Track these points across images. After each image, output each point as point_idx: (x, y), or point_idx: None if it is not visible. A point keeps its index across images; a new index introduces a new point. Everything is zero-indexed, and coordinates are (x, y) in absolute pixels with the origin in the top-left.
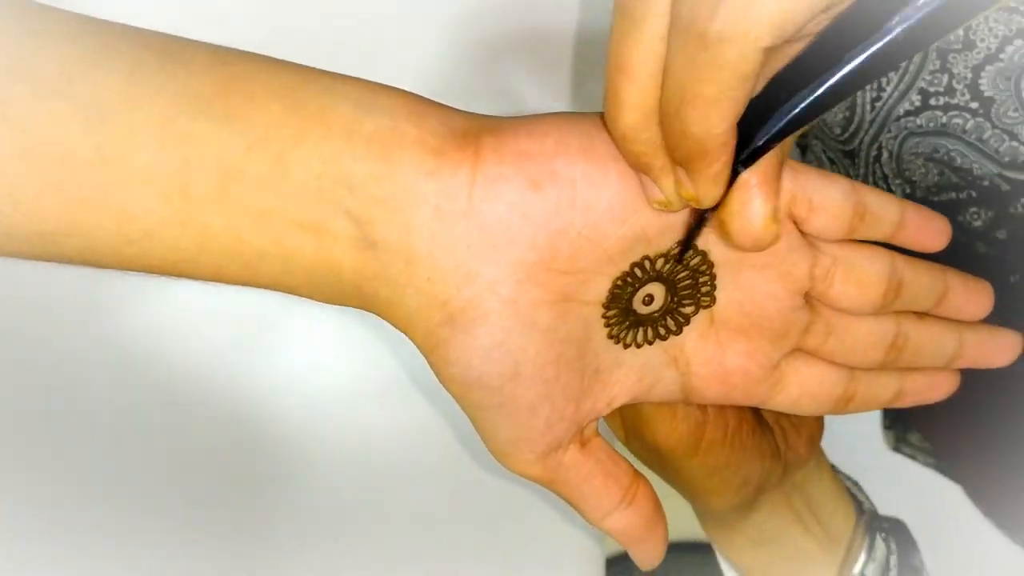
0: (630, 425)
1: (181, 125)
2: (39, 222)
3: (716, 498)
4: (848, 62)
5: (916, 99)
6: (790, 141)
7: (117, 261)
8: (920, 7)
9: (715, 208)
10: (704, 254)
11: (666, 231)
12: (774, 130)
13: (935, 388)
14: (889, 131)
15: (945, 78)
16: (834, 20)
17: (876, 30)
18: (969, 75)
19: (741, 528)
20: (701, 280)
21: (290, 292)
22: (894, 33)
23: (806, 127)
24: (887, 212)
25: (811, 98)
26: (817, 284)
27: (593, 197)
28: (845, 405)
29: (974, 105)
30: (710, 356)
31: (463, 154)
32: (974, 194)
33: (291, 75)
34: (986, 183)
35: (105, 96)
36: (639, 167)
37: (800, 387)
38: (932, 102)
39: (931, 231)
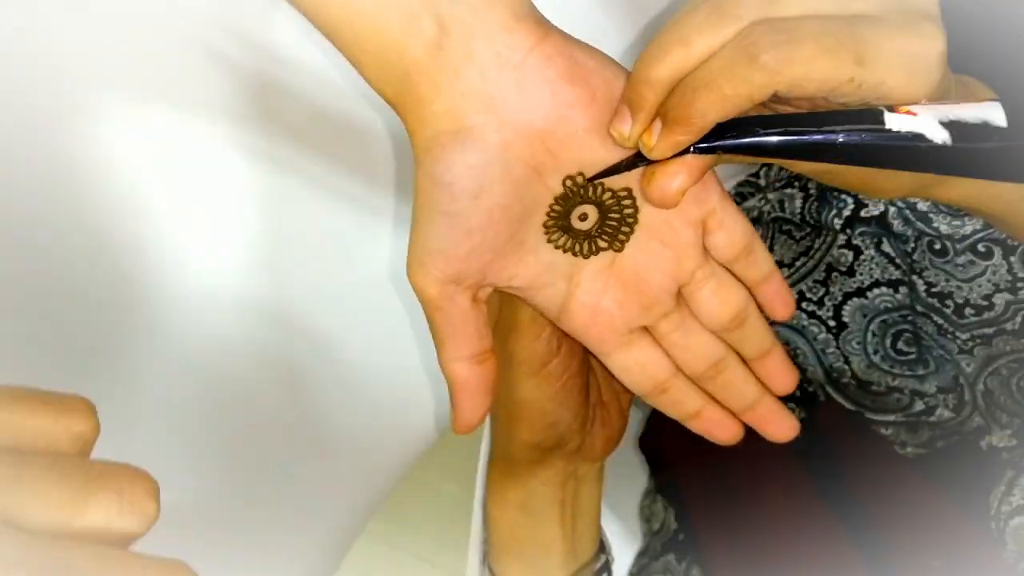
0: (503, 326)
1: None
2: None
3: (526, 430)
4: (794, 133)
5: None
6: (716, 158)
7: None
8: (862, 135)
9: (652, 162)
10: (637, 209)
11: (627, 176)
12: (731, 144)
13: (723, 427)
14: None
15: (822, 291)
16: (800, 112)
17: (820, 133)
18: (840, 298)
19: (517, 488)
20: (623, 227)
21: (350, 51)
22: (833, 139)
23: (747, 160)
24: (763, 264)
25: (757, 140)
26: (692, 283)
27: (600, 113)
28: (658, 394)
29: (832, 323)
30: (594, 290)
31: (534, 31)
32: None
33: None
34: (810, 388)
35: None
36: (632, 103)
37: (637, 357)
38: (802, 304)
39: (782, 300)
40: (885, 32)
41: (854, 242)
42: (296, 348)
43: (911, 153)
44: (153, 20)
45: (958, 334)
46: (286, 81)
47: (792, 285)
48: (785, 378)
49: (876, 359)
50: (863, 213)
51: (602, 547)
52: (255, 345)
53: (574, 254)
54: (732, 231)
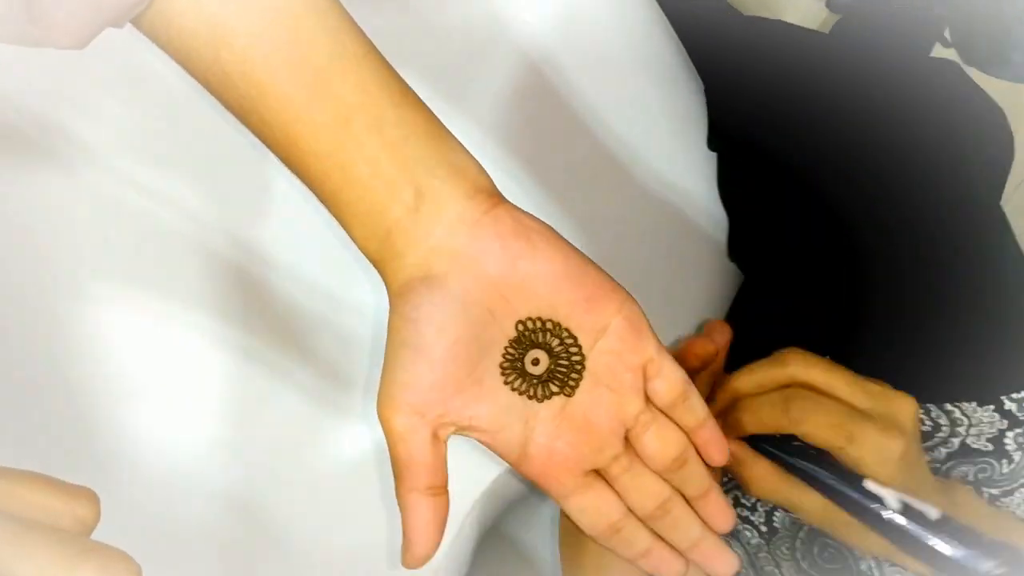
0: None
1: (372, 87)
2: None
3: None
4: (794, 459)
5: None
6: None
7: (284, 127)
8: (840, 481)
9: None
10: (584, 357)
11: (569, 321)
12: (762, 448)
13: (671, 565)
14: None
15: (754, 498)
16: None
17: (816, 469)
18: (771, 504)
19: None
20: (572, 373)
21: (348, 218)
22: (819, 476)
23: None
24: (699, 410)
25: (769, 450)
26: (636, 426)
27: (542, 263)
28: (611, 535)
29: (763, 528)
30: (549, 432)
31: (491, 199)
32: None
33: (430, 112)
34: None
35: (348, 35)
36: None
37: (592, 499)
38: (736, 508)
39: (716, 445)
40: (870, 429)
41: None
42: (256, 536)
43: (864, 508)
44: (146, 212)
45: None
46: (267, 277)
47: (727, 491)
48: (725, 517)
49: (804, 565)
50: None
51: None
52: (216, 530)
53: (529, 397)
54: (670, 378)
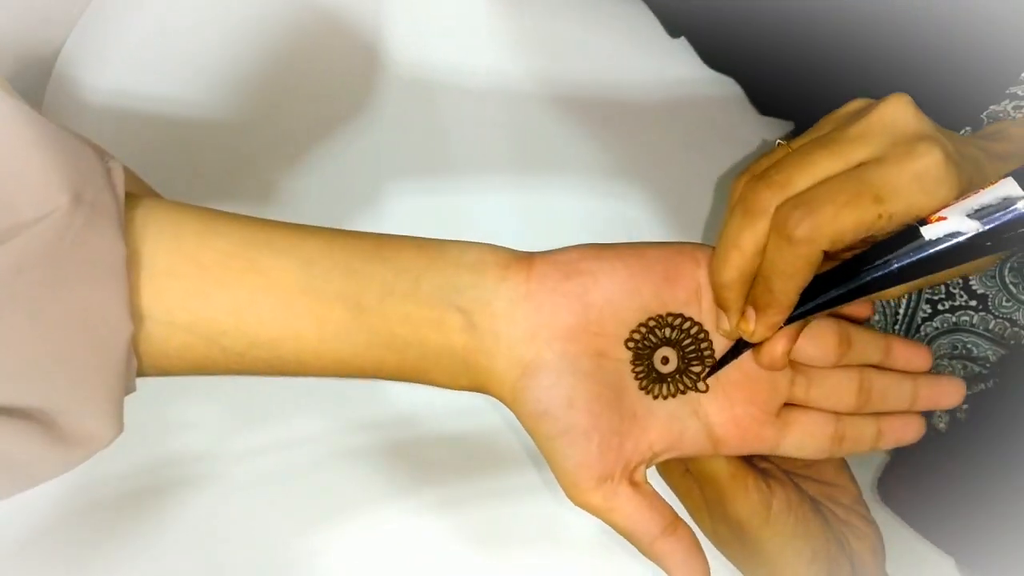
0: (713, 505)
1: (356, 265)
2: (272, 330)
3: (791, 572)
4: (858, 279)
5: (926, 308)
6: (806, 322)
7: (316, 359)
8: (910, 255)
9: (752, 345)
10: (700, 324)
11: (665, 304)
12: (811, 308)
13: (907, 428)
14: (919, 335)
15: (942, 286)
16: (857, 254)
17: (877, 269)
18: (960, 279)
19: None
20: (703, 346)
21: (424, 376)
22: (891, 268)
23: (829, 310)
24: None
25: (834, 295)
26: None
27: (607, 281)
28: (840, 444)
29: (972, 303)
30: (721, 405)
31: (522, 264)
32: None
33: (414, 238)
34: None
35: (312, 251)
36: (721, 306)
37: (800, 429)
38: (939, 307)
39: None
40: (889, 168)
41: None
42: None
43: (954, 251)
44: None
45: None
46: None
47: (917, 301)
48: (920, 355)
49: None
50: None
51: None
52: None
53: (683, 392)
54: None
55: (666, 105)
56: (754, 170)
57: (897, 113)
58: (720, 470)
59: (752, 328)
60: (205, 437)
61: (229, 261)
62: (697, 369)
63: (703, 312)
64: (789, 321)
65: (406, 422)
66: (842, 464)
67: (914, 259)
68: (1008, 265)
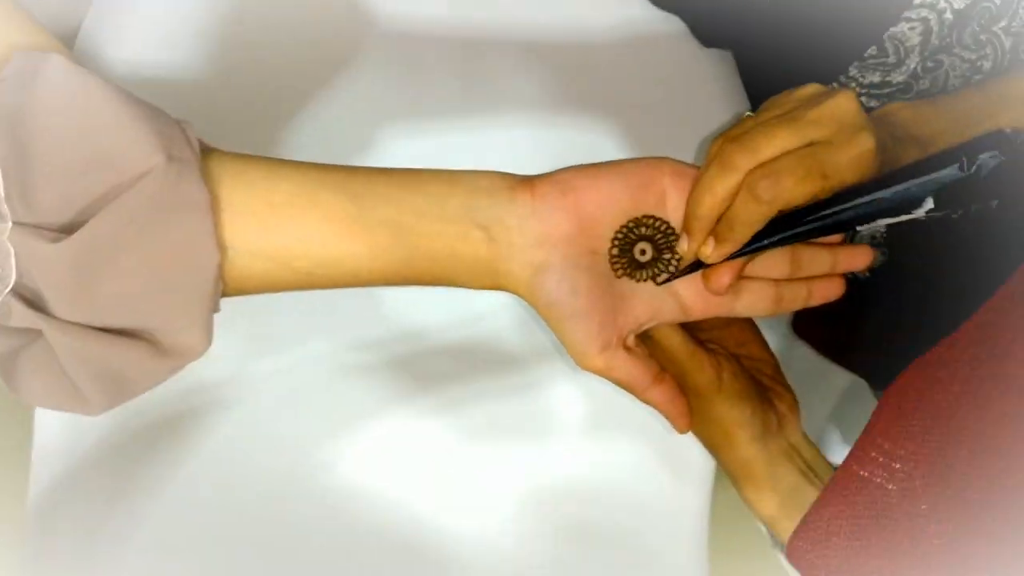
0: (676, 379)
1: (394, 195)
2: (333, 251)
3: (738, 428)
4: (799, 225)
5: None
6: (751, 258)
7: (369, 272)
8: (855, 206)
9: (705, 265)
10: (668, 223)
11: (639, 210)
12: (753, 248)
13: (830, 286)
14: None
15: None
16: (786, 213)
17: (824, 215)
18: None
19: (763, 476)
20: (671, 238)
21: (456, 279)
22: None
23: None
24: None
25: (768, 242)
26: None
27: (595, 194)
28: (780, 303)
29: None
30: (689, 282)
31: (525, 187)
32: None
33: (436, 170)
34: None
35: (358, 187)
36: (689, 231)
37: (749, 294)
38: None
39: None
40: (835, 151)
41: None
42: None
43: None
44: None
45: None
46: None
47: None
48: (833, 237)
49: None
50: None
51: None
52: None
53: (660, 279)
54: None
55: (622, 43)
56: (728, 135)
57: (846, 105)
58: (680, 350)
59: (710, 252)
60: (228, 365)
61: (294, 199)
62: (668, 256)
63: (668, 211)
64: (734, 256)
65: (407, 337)
66: (764, 342)
67: (829, 222)
68: None
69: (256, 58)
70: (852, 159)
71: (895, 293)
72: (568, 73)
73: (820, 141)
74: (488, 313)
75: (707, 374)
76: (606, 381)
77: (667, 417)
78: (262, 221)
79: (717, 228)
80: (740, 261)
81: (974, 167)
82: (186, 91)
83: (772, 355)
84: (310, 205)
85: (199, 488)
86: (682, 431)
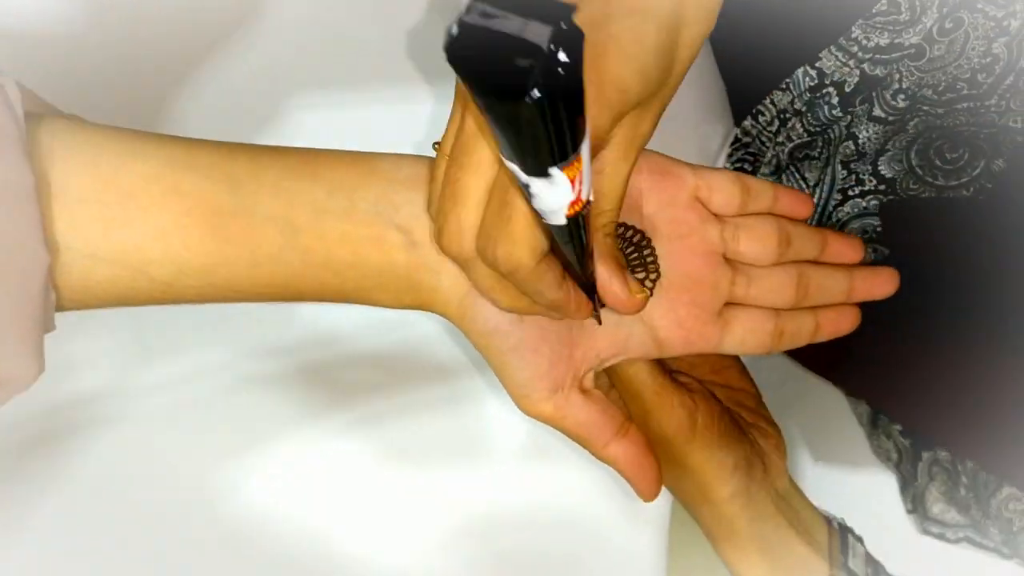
0: (639, 422)
1: (286, 184)
2: (201, 255)
3: (717, 482)
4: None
5: (837, 196)
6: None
7: (250, 284)
8: None
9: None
10: (643, 232)
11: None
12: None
13: (843, 319)
14: (831, 222)
15: (852, 174)
16: None
17: None
18: (869, 164)
19: (749, 537)
20: (645, 253)
21: (366, 297)
22: None
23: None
24: (765, 189)
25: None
26: (728, 244)
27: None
28: (780, 339)
29: (882, 187)
30: (665, 309)
31: None
32: None
33: (344, 153)
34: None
35: (239, 170)
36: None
37: (742, 327)
38: (850, 193)
39: (800, 201)
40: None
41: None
42: None
43: None
44: None
45: (988, 103)
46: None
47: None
48: (852, 248)
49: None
50: (846, 88)
51: (826, 518)
52: None
53: None
54: (721, 188)
55: None
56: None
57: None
58: (645, 386)
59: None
60: (105, 374)
61: (151, 186)
62: (641, 276)
63: (644, 219)
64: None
65: (319, 344)
66: (743, 367)
67: None
68: (915, 148)
69: (144, 8)
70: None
71: (897, 297)
72: None
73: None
74: (414, 316)
75: (678, 416)
76: (553, 430)
77: (630, 481)
78: (107, 213)
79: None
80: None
81: None
82: (54, 44)
83: (753, 383)
84: (172, 193)
85: (74, 517)
86: (648, 499)
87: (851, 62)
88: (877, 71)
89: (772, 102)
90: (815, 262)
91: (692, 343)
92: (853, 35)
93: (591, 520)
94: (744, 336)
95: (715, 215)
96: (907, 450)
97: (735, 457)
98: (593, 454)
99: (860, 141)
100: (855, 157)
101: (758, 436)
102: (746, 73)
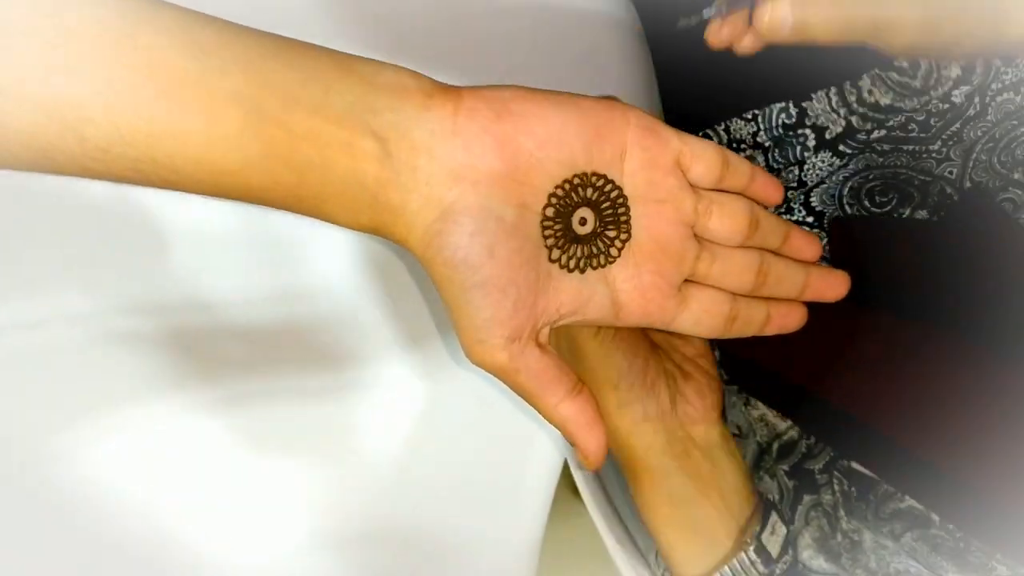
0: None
1: (258, 63)
2: (149, 120)
3: (607, 386)
4: None
5: None
6: None
7: (195, 167)
8: None
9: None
10: (620, 188)
11: (590, 164)
12: None
13: (791, 316)
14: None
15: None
16: None
17: None
18: (801, 195)
19: (659, 488)
20: (620, 211)
21: (320, 207)
22: None
23: None
24: (743, 167)
25: None
26: (700, 218)
27: (539, 127)
28: (732, 324)
29: (810, 219)
30: (630, 274)
31: (448, 96)
32: None
33: (323, 48)
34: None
35: (207, 38)
36: None
37: (699, 305)
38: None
39: (772, 186)
40: None
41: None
42: None
43: None
44: None
45: (932, 147)
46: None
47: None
48: (811, 245)
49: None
50: (827, 135)
51: (761, 497)
52: None
53: (597, 259)
54: (705, 158)
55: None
56: None
57: None
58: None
59: None
60: None
61: (103, 32)
62: (612, 234)
63: (624, 176)
64: None
65: (199, 308)
66: None
67: None
68: (850, 184)
69: None
70: None
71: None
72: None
73: None
74: (311, 292)
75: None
76: (493, 381)
77: (577, 443)
78: (44, 52)
79: None
80: None
81: None
82: None
83: (703, 340)
84: (126, 45)
85: None
86: (592, 466)
87: (843, 110)
88: (863, 124)
89: (726, 129)
90: (775, 253)
91: (650, 314)
92: (860, 83)
93: (461, 537)
94: (700, 316)
95: (691, 186)
96: (789, 492)
97: (635, 372)
98: (541, 411)
99: (805, 169)
100: (795, 185)
101: (679, 377)
102: (699, 99)
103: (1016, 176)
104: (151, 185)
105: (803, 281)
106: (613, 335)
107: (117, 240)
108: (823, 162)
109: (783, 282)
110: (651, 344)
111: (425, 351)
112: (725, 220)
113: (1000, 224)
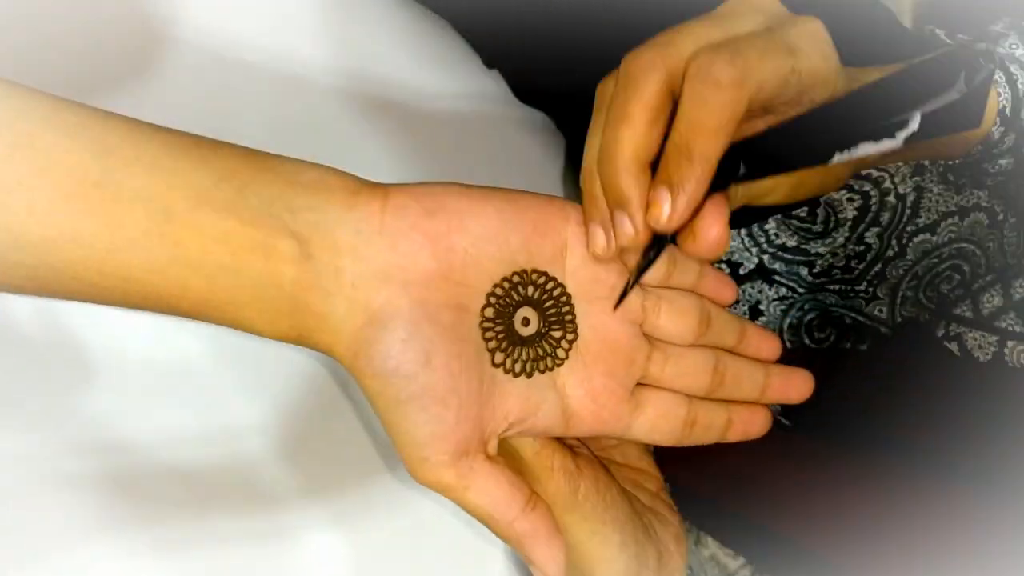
0: None
1: (167, 162)
2: (47, 226)
3: (602, 563)
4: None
5: None
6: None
7: (98, 274)
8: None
9: (674, 239)
10: (563, 287)
11: (532, 259)
12: (734, 170)
13: (754, 420)
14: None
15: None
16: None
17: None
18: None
19: None
20: (564, 310)
21: (235, 314)
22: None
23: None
24: (690, 262)
25: (745, 171)
26: (648, 316)
27: (474, 224)
28: (691, 430)
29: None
30: (580, 378)
31: (375, 193)
32: None
33: (241, 147)
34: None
35: (110, 137)
36: (617, 199)
37: (654, 409)
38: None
39: (724, 284)
40: (786, 28)
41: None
42: None
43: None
44: None
45: (858, 287)
46: None
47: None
48: (770, 343)
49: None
50: (740, 271)
51: None
52: None
53: (543, 361)
54: None
55: (468, 123)
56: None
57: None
58: (525, 445)
59: (668, 210)
60: None
61: None
62: (558, 335)
63: (566, 274)
64: (714, 190)
65: (133, 449)
66: (646, 448)
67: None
68: (788, 319)
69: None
70: (810, 34)
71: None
72: (403, 139)
73: (753, 29)
74: (248, 431)
75: (557, 480)
76: (442, 502)
77: (535, 564)
78: None
79: (665, 169)
80: (721, 198)
81: (976, 81)
82: None
83: (655, 466)
84: (24, 146)
85: None
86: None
87: (754, 249)
88: (773, 265)
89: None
90: (731, 352)
91: (604, 421)
92: (767, 227)
93: None
94: (656, 421)
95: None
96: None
97: (623, 535)
98: (494, 530)
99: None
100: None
101: (655, 522)
102: None
103: (945, 309)
104: (53, 296)
105: (763, 381)
106: (592, 508)
107: (46, 371)
108: (754, 288)
109: (742, 383)
110: (631, 502)
111: (367, 486)
112: (675, 317)
113: (935, 353)
